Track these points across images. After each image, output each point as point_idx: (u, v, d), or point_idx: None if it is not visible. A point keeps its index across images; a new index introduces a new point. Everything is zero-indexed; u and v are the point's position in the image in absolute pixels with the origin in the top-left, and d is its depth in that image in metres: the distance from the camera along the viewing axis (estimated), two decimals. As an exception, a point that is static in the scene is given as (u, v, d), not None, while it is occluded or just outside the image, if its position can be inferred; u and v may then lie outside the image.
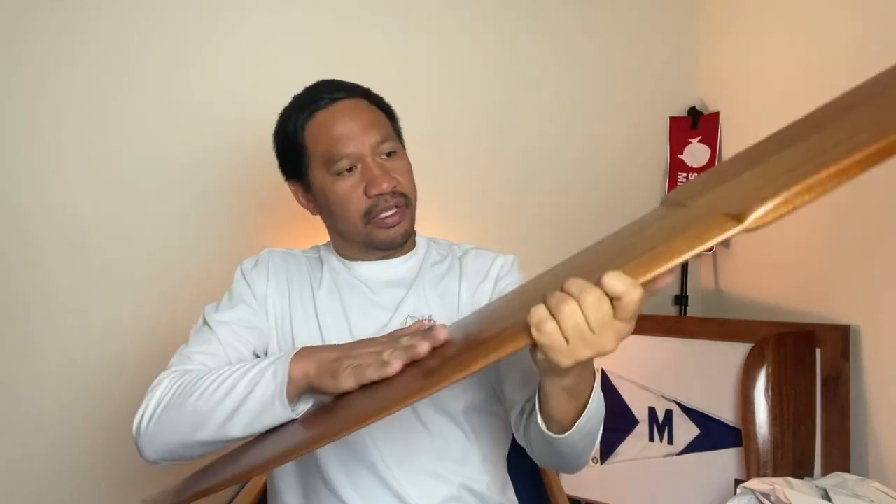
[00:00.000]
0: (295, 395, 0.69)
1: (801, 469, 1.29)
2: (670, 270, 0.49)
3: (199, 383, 0.74)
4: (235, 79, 1.63)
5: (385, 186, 0.86)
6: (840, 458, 1.28)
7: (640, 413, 1.52)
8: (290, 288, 0.94)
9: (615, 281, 0.50)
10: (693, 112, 1.80)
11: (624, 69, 1.80)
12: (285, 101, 0.95)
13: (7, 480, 1.56)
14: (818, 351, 1.34)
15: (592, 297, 0.51)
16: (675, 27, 1.83)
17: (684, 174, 1.79)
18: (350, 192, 0.87)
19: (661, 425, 1.49)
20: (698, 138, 1.78)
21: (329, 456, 0.87)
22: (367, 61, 1.63)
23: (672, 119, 1.82)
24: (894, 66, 0.59)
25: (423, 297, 0.93)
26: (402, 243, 0.93)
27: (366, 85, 0.94)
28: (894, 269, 1.21)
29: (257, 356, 0.90)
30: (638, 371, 1.53)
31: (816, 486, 1.15)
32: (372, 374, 0.63)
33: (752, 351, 1.38)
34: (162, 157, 1.61)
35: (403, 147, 0.94)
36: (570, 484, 1.47)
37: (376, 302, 0.93)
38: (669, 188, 1.80)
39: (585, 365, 0.60)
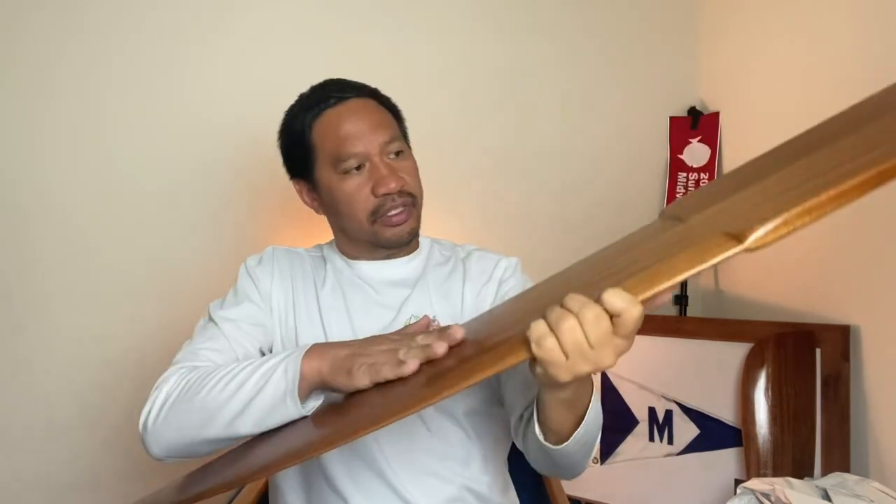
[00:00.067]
0: (306, 392, 0.68)
1: (801, 469, 1.29)
2: (670, 288, 0.49)
3: (207, 379, 0.73)
4: (235, 79, 1.63)
5: (393, 186, 0.86)
6: (840, 458, 1.28)
7: (640, 413, 1.52)
8: (293, 286, 0.93)
9: (615, 298, 0.50)
10: (693, 112, 1.80)
11: (624, 69, 1.80)
12: (284, 100, 0.95)
13: (9, 481, 1.56)
14: (818, 351, 1.34)
15: (592, 313, 0.51)
16: (676, 27, 1.83)
17: (684, 174, 1.79)
18: (357, 191, 0.87)
19: (661, 425, 1.50)
20: (698, 138, 1.78)
21: (332, 455, 0.87)
22: (368, 61, 1.63)
23: (672, 119, 1.82)
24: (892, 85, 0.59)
25: (426, 298, 0.93)
26: (408, 242, 0.93)
27: None
28: (894, 269, 1.21)
29: (263, 353, 0.90)
30: (638, 371, 1.53)
31: (816, 486, 1.15)
32: (388, 374, 0.62)
33: (752, 351, 1.38)
34: (161, 157, 1.61)
35: (409, 147, 0.94)
36: (570, 484, 1.47)
37: (380, 301, 0.92)
38: (669, 188, 1.80)
39: (584, 378, 0.60)
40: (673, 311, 1.80)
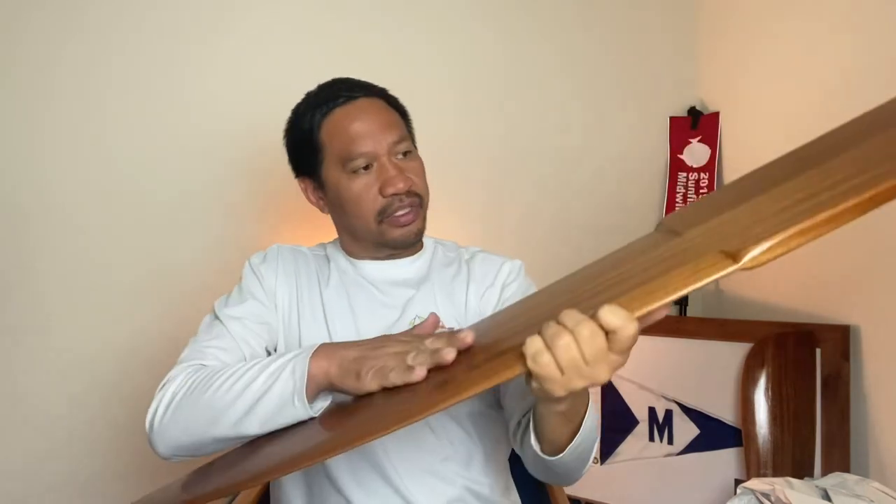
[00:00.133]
0: (314, 393, 0.68)
1: (801, 469, 1.29)
2: (665, 305, 0.50)
3: (214, 379, 0.73)
4: (235, 79, 1.63)
5: (401, 186, 0.86)
6: (840, 458, 1.28)
7: (640, 413, 1.52)
8: (298, 284, 0.93)
9: (611, 315, 0.51)
10: (693, 112, 1.80)
11: (624, 69, 1.80)
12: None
13: (12, 484, 1.56)
14: (818, 351, 1.34)
15: (587, 330, 0.52)
16: (676, 27, 1.83)
17: (684, 174, 1.79)
18: (365, 190, 0.87)
19: (661, 425, 1.50)
20: (698, 138, 1.78)
21: None
22: (368, 61, 1.63)
23: (672, 119, 1.82)
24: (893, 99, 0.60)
25: (431, 298, 0.93)
26: (415, 243, 0.93)
27: None
28: (894, 269, 1.21)
29: (268, 351, 0.90)
30: (638, 371, 1.53)
31: (816, 486, 1.15)
32: (395, 379, 0.62)
33: (752, 351, 1.38)
34: (161, 157, 1.61)
35: (416, 148, 0.94)
36: (570, 484, 1.47)
37: (384, 301, 0.92)
38: (669, 188, 1.80)
39: (580, 391, 0.60)
40: (673, 311, 1.80)
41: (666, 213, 1.79)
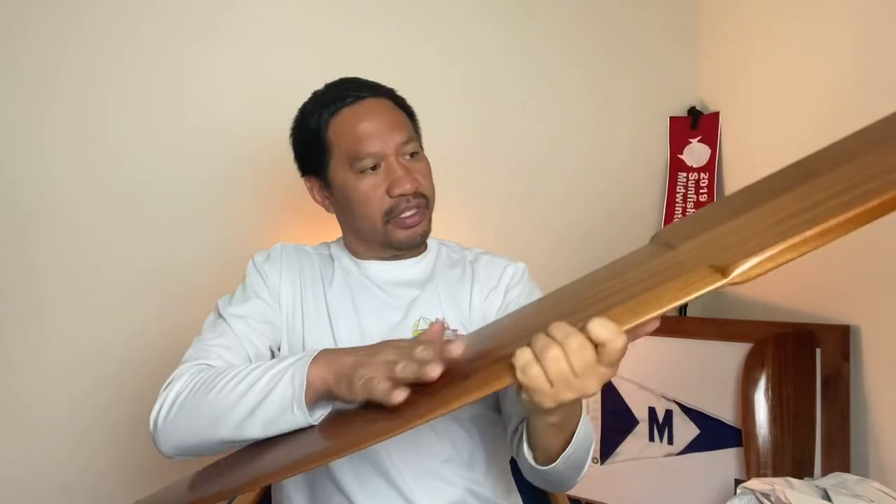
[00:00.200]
0: (314, 400, 0.67)
1: (801, 469, 1.30)
2: (654, 318, 0.51)
3: (217, 380, 0.73)
4: (235, 78, 1.63)
5: (408, 187, 0.86)
6: (840, 458, 1.28)
7: (640, 413, 1.52)
8: (302, 283, 0.93)
9: (600, 328, 0.51)
10: (693, 112, 1.80)
11: (624, 69, 1.80)
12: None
13: (16, 487, 1.56)
14: (818, 351, 1.34)
15: (576, 343, 0.52)
16: (676, 27, 1.83)
17: (684, 174, 1.79)
18: (372, 190, 0.87)
19: (661, 425, 1.50)
20: (698, 138, 1.78)
21: None
22: (368, 61, 1.63)
23: (672, 119, 1.82)
24: (893, 113, 0.59)
25: (436, 299, 0.93)
26: (419, 244, 0.93)
27: None
28: (894, 269, 1.21)
29: (272, 351, 0.90)
30: (638, 371, 1.53)
31: (816, 486, 1.15)
32: (378, 396, 0.61)
33: (752, 351, 1.38)
34: (161, 157, 1.61)
35: (422, 148, 0.94)
36: (570, 484, 1.47)
37: (388, 302, 0.92)
38: (669, 188, 1.80)
39: (573, 402, 0.60)
40: (673, 311, 1.79)
41: (666, 212, 1.79)
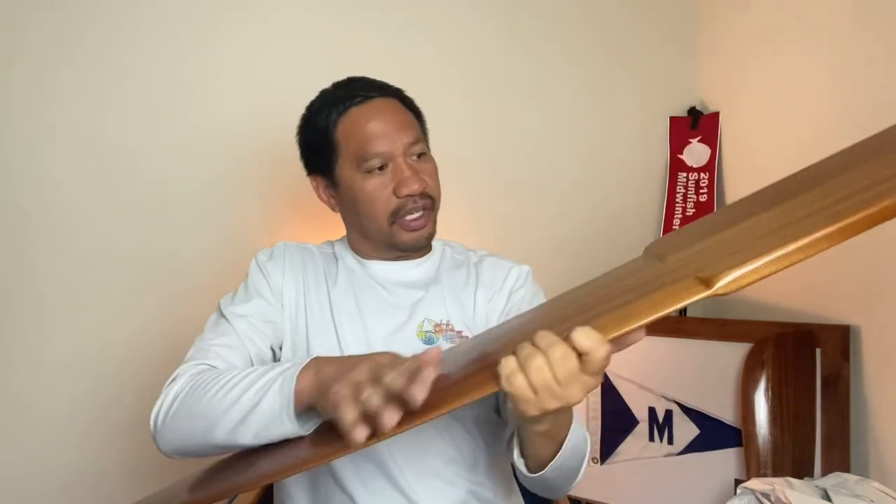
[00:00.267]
0: (304, 409, 0.66)
1: (801, 469, 1.30)
2: (638, 328, 0.51)
3: (212, 384, 0.72)
4: (236, 79, 1.63)
5: (416, 188, 0.86)
6: (840, 458, 1.28)
7: (640, 413, 1.52)
8: (305, 282, 0.93)
9: (583, 337, 0.52)
10: (693, 112, 1.80)
11: (624, 69, 1.80)
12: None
13: (16, 487, 1.56)
14: (818, 351, 1.34)
15: (559, 352, 0.53)
16: (676, 27, 1.83)
17: (684, 174, 1.79)
18: (379, 190, 0.87)
19: (661, 425, 1.50)
20: (698, 138, 1.78)
21: None
22: (367, 61, 1.63)
23: (672, 119, 1.82)
24: (885, 129, 0.61)
25: (441, 301, 0.93)
26: (425, 246, 0.93)
27: None
28: (894, 269, 1.21)
29: (273, 350, 0.90)
30: (638, 371, 1.53)
31: (816, 486, 1.15)
32: (341, 427, 0.57)
33: (752, 351, 1.38)
34: (162, 157, 1.61)
35: (429, 149, 0.94)
36: (570, 484, 1.47)
37: (392, 302, 0.92)
38: (669, 188, 1.80)
39: (561, 410, 0.61)
40: (674, 311, 1.79)
41: (666, 212, 1.79)
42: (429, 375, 0.55)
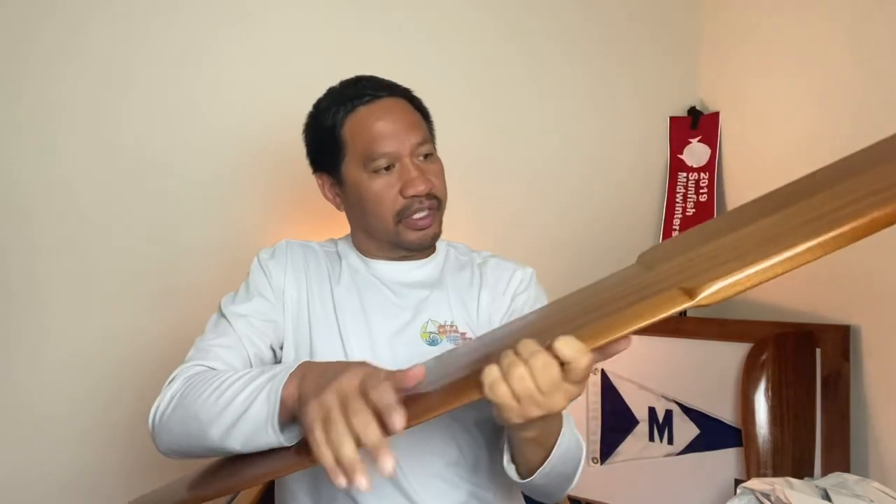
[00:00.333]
0: (288, 418, 0.65)
1: (801, 469, 1.29)
2: (622, 337, 0.52)
3: (205, 386, 0.72)
4: (237, 79, 1.63)
5: (422, 188, 0.86)
6: (840, 458, 1.28)
7: (640, 413, 1.52)
8: (308, 281, 0.92)
9: (566, 347, 0.52)
10: (693, 112, 1.80)
11: (624, 69, 1.80)
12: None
13: (16, 487, 1.56)
14: (818, 351, 1.34)
15: (541, 362, 0.53)
16: (676, 27, 1.83)
17: (684, 174, 1.79)
18: (385, 190, 0.87)
19: (661, 425, 1.50)
20: (698, 138, 1.78)
21: None
22: (367, 61, 1.63)
23: (672, 119, 1.82)
24: (874, 143, 0.61)
25: (445, 302, 0.92)
26: (430, 246, 0.93)
27: None
28: (894, 269, 1.21)
29: (273, 350, 0.90)
30: (638, 371, 1.53)
31: (816, 486, 1.15)
32: (311, 443, 0.56)
33: (752, 351, 1.38)
34: (163, 156, 1.61)
35: (436, 150, 0.94)
36: (570, 484, 1.47)
37: (396, 302, 0.92)
38: (669, 188, 1.80)
39: (549, 417, 0.61)
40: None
41: (666, 212, 1.79)
42: (398, 421, 0.52)
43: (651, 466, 1.49)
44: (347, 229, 1.01)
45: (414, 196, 0.86)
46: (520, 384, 0.54)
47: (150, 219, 1.61)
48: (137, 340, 1.59)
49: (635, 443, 1.52)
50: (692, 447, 1.45)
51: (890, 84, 1.22)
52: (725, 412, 1.42)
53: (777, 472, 1.30)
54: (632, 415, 1.53)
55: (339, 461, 0.53)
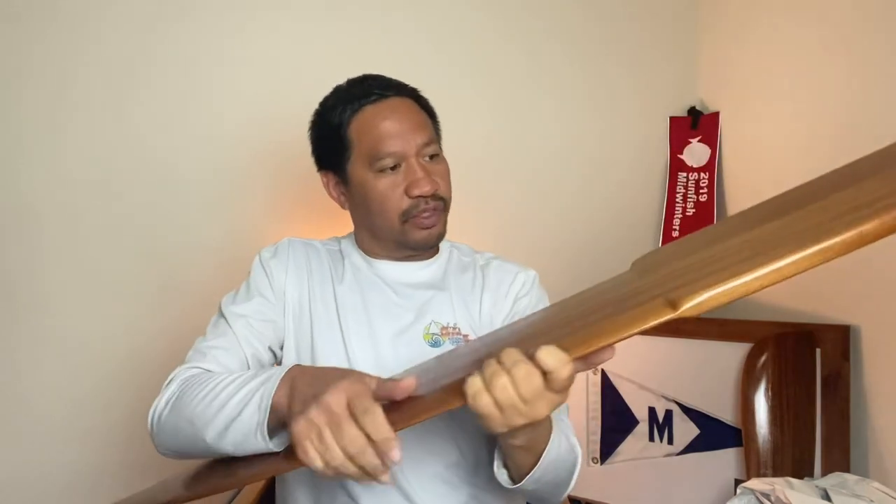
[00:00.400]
0: (279, 424, 0.65)
1: (801, 469, 1.29)
2: (605, 347, 0.52)
3: (200, 389, 0.72)
4: (238, 77, 1.63)
5: (427, 189, 0.86)
6: (840, 458, 1.28)
7: (640, 413, 1.52)
8: (310, 280, 0.92)
9: (547, 357, 0.52)
10: (693, 112, 1.80)
11: (624, 69, 1.80)
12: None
13: (16, 487, 1.56)
14: (818, 351, 1.34)
15: (523, 371, 0.53)
16: (676, 27, 1.83)
17: (684, 174, 1.79)
18: (391, 190, 0.87)
19: (661, 425, 1.50)
20: (698, 138, 1.78)
21: None
22: (367, 61, 1.63)
23: (672, 119, 1.82)
24: (863, 156, 0.62)
25: (448, 303, 0.92)
26: (434, 245, 0.93)
27: None
28: (894, 269, 1.21)
29: (273, 351, 0.90)
30: (638, 371, 1.53)
31: (816, 486, 1.15)
32: (300, 455, 0.57)
33: (752, 351, 1.38)
34: (164, 156, 1.61)
35: (442, 151, 0.94)
36: (570, 484, 1.47)
37: (399, 303, 0.92)
38: (669, 188, 1.80)
39: (538, 423, 0.61)
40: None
41: (666, 212, 1.79)
42: (396, 455, 0.55)
43: (651, 466, 1.49)
44: (350, 228, 1.00)
45: (419, 196, 0.86)
46: (502, 394, 0.54)
47: (151, 218, 1.61)
48: (138, 340, 1.59)
49: (635, 443, 1.52)
50: (692, 447, 1.45)
51: (889, 84, 1.22)
52: (725, 412, 1.42)
53: (777, 472, 1.30)
54: (632, 415, 1.53)
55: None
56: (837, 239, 0.45)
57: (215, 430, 0.68)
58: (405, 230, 0.88)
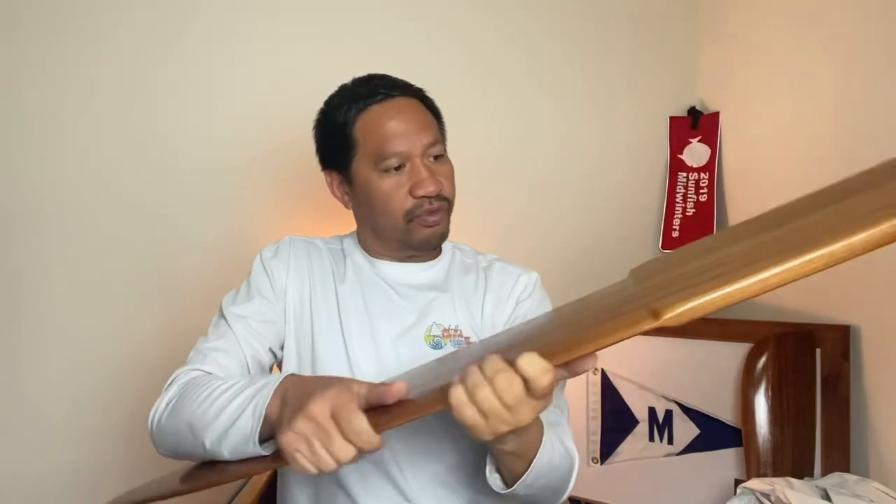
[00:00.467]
0: (269, 434, 0.65)
1: (801, 469, 1.30)
2: (587, 355, 0.52)
3: (198, 394, 0.72)
4: (239, 80, 1.63)
5: (432, 189, 0.86)
6: (840, 458, 1.29)
7: (640, 413, 1.52)
8: (311, 280, 0.92)
9: (528, 365, 0.53)
10: (693, 112, 1.80)
11: (624, 69, 1.80)
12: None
13: (16, 487, 1.56)
14: (818, 351, 1.34)
15: (504, 380, 0.54)
16: (676, 27, 1.83)
17: (684, 174, 1.79)
18: (395, 190, 0.86)
19: (661, 425, 1.50)
20: (698, 138, 1.78)
21: None
22: (367, 61, 1.63)
23: (672, 119, 1.82)
24: (856, 173, 0.62)
25: (450, 305, 0.92)
26: (437, 245, 0.93)
27: None
28: (894, 269, 1.21)
29: (273, 352, 0.90)
30: (638, 371, 1.53)
31: (816, 486, 1.15)
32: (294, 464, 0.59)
33: (752, 351, 1.38)
34: (165, 156, 1.61)
35: (446, 151, 0.94)
36: (570, 484, 1.47)
37: (401, 304, 0.91)
38: (669, 188, 1.80)
39: (527, 429, 0.61)
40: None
41: (666, 212, 1.79)
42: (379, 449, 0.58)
43: (651, 466, 1.49)
44: (351, 227, 1.00)
45: (424, 196, 0.86)
46: (485, 404, 0.54)
47: (151, 218, 1.61)
48: (138, 340, 1.59)
49: (635, 443, 1.52)
50: (692, 447, 1.45)
51: (888, 84, 1.22)
52: (725, 412, 1.42)
53: (777, 472, 1.30)
54: (632, 415, 1.53)
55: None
56: (824, 251, 0.45)
57: (214, 435, 0.68)
58: (409, 229, 0.88)
